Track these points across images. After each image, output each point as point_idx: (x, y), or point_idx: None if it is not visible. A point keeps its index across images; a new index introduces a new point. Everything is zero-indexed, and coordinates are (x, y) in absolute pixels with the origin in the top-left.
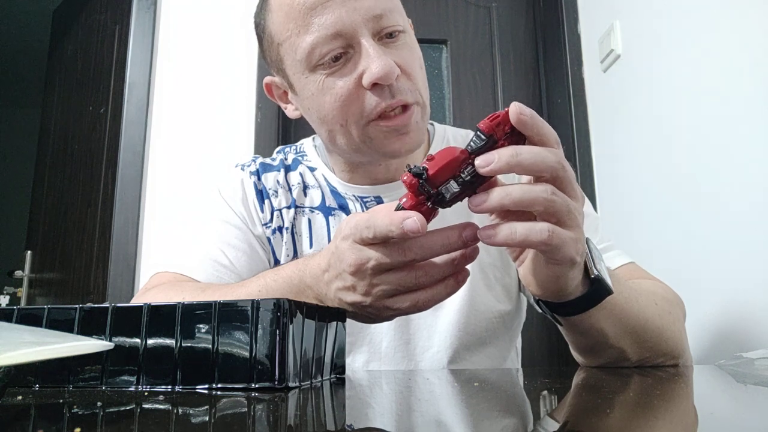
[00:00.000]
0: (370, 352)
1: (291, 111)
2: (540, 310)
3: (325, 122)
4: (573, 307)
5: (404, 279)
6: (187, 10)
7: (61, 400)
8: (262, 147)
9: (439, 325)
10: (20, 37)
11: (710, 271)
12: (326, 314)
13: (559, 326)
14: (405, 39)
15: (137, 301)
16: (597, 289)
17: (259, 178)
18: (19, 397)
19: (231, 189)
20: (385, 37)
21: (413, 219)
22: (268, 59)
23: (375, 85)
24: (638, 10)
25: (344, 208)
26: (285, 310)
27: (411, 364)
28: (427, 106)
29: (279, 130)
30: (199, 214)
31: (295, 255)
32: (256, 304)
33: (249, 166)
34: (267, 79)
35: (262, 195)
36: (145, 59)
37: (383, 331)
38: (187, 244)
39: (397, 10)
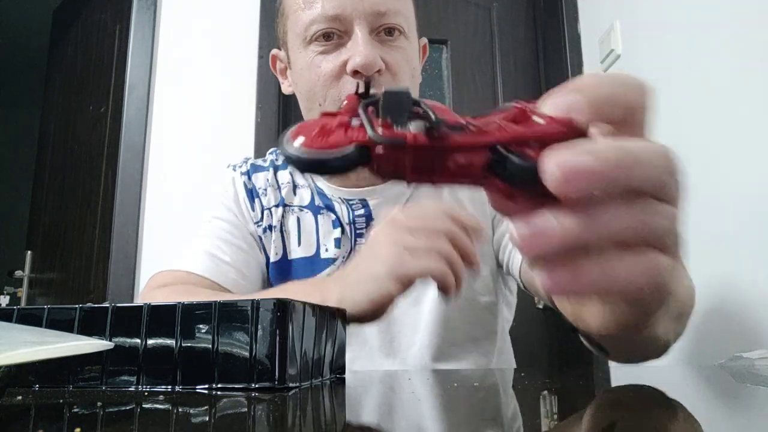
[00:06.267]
0: (355, 350)
1: (286, 87)
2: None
3: (307, 98)
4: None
5: (429, 239)
6: (187, 10)
7: (61, 400)
8: (262, 147)
9: (422, 321)
10: (20, 38)
11: (710, 271)
12: (326, 314)
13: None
14: (402, 42)
15: (145, 297)
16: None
17: (249, 178)
18: (19, 397)
19: (223, 188)
20: (384, 33)
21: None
22: (277, 32)
23: (356, 73)
24: (638, 10)
25: (331, 209)
26: (285, 310)
27: (396, 362)
28: None
29: (279, 130)
30: (197, 217)
31: (284, 254)
32: (256, 304)
33: (240, 166)
34: (274, 51)
35: (252, 194)
36: (145, 59)
37: (368, 329)
38: (189, 244)
39: (404, 15)
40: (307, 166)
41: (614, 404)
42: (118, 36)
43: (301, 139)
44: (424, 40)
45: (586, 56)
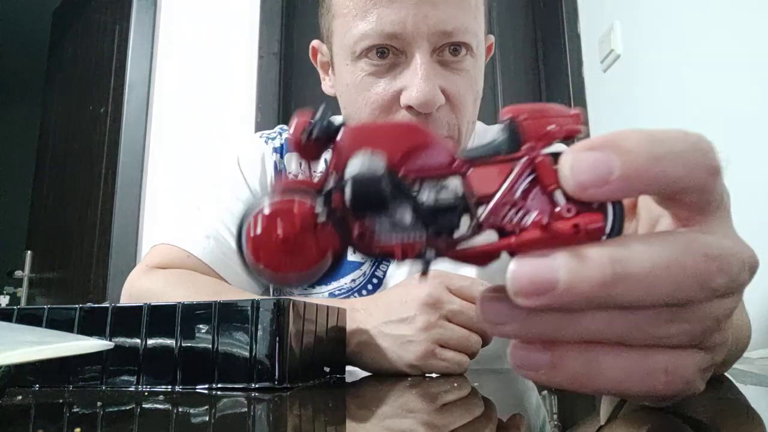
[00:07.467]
0: None
1: (327, 87)
2: None
3: (352, 118)
4: None
5: (464, 336)
6: (187, 10)
7: (61, 400)
8: None
9: None
10: (20, 37)
11: None
12: (326, 314)
13: None
14: (468, 62)
15: (141, 277)
16: None
17: (281, 156)
18: (19, 397)
19: (250, 161)
20: (448, 51)
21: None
22: (321, 24)
23: (410, 108)
24: (638, 10)
25: None
26: (285, 310)
27: None
28: (463, 141)
29: None
30: (213, 180)
31: None
32: (256, 304)
33: (273, 139)
34: (315, 42)
35: (281, 176)
36: (145, 59)
37: None
38: (195, 216)
39: (473, 32)
40: (279, 284)
41: (610, 405)
42: (118, 36)
43: (262, 257)
44: (491, 39)
45: (586, 56)
